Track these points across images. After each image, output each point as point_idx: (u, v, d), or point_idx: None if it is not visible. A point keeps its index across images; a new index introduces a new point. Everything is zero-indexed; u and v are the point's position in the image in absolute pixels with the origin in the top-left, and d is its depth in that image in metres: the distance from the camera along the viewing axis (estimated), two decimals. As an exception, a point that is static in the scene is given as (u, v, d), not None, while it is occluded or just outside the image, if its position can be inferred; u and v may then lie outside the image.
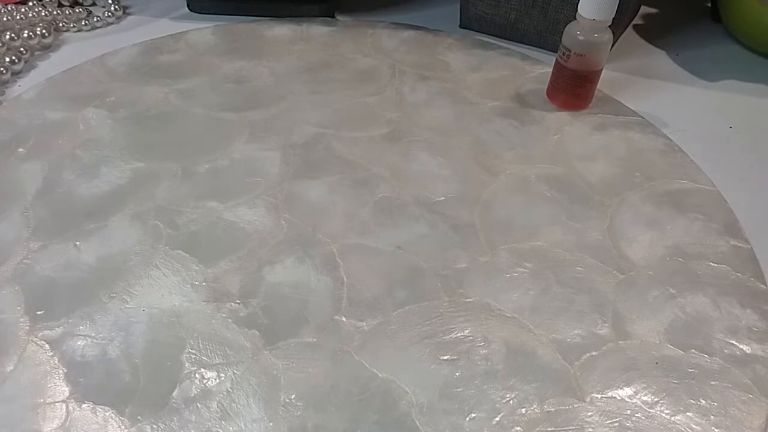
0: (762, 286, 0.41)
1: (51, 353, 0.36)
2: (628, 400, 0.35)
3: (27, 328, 0.37)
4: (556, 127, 0.53)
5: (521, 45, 0.63)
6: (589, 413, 0.34)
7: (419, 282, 0.40)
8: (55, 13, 0.64)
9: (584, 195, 0.47)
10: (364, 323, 0.38)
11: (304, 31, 0.64)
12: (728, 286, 0.40)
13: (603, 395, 0.35)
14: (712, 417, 0.34)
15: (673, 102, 0.57)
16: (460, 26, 0.66)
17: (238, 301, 0.39)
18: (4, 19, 0.62)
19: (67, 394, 0.34)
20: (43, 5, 0.64)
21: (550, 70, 0.55)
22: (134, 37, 0.63)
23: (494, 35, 0.64)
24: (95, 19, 0.65)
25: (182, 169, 0.48)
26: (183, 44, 0.62)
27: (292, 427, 0.33)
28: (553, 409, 0.34)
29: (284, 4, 0.65)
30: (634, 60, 0.62)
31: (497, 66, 0.60)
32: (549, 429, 0.33)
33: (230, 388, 0.35)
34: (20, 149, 0.49)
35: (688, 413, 0.34)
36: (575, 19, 0.50)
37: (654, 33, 0.67)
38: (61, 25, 0.64)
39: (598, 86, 0.54)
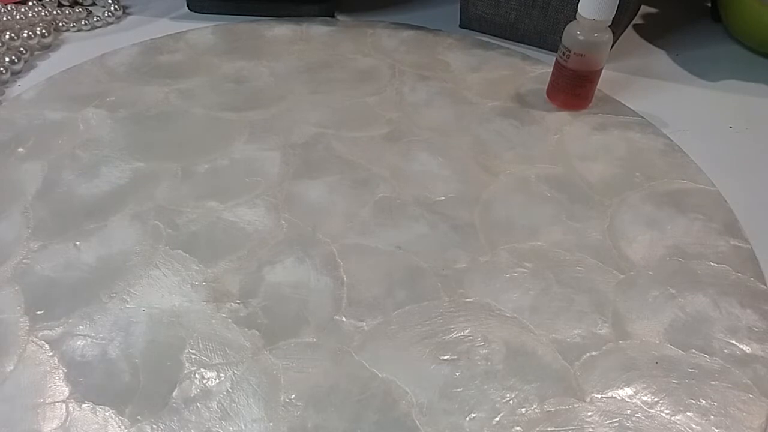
0: (762, 286, 0.41)
1: (51, 353, 0.36)
2: (628, 400, 0.35)
3: (27, 328, 0.37)
4: (556, 127, 0.53)
5: (521, 45, 0.63)
6: (589, 413, 0.34)
7: (419, 282, 0.40)
8: (55, 13, 0.64)
9: (584, 195, 0.47)
10: (364, 323, 0.38)
11: (304, 31, 0.64)
12: (728, 286, 0.40)
13: (603, 395, 0.35)
14: (712, 417, 0.34)
15: (673, 102, 0.57)
16: (460, 26, 0.66)
17: (238, 301, 0.39)
18: (4, 19, 0.62)
19: (67, 394, 0.34)
20: (43, 5, 0.64)
21: (550, 70, 0.55)
22: (134, 37, 0.63)
23: (494, 35, 0.64)
24: (95, 19, 0.65)
25: (182, 169, 0.48)
26: (183, 44, 0.62)
27: (292, 427, 0.33)
28: (553, 409, 0.34)
29: (284, 4, 0.65)
30: (634, 60, 0.62)
31: (497, 66, 0.60)
32: (549, 429, 0.33)
33: (230, 388, 0.35)
34: (20, 149, 0.49)
35: (688, 413, 0.34)
36: (575, 19, 0.50)
37: (654, 33, 0.67)
38: (61, 25, 0.64)
39: (598, 86, 0.54)
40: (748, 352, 0.37)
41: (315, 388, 0.35)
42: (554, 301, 0.39)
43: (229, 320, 0.38)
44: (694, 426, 0.33)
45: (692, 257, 0.42)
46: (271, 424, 0.33)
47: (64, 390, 0.34)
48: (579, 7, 0.49)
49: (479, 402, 0.34)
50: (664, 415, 0.34)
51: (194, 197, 0.46)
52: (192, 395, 0.34)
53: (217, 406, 0.34)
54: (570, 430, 0.33)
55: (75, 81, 0.57)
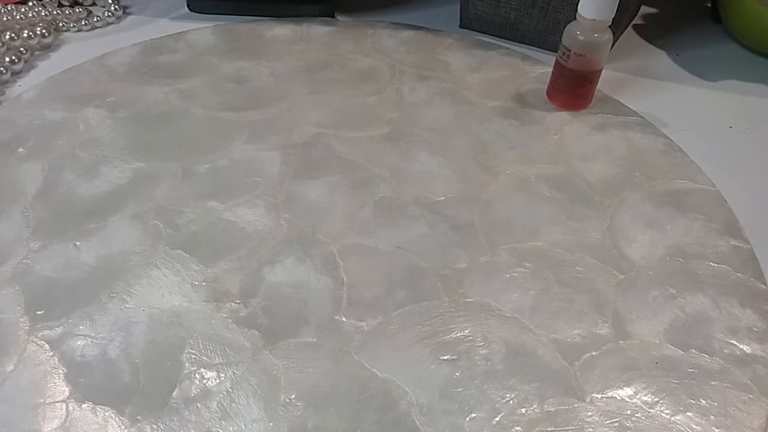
0: (762, 286, 0.41)
1: (51, 353, 0.36)
2: (628, 400, 0.35)
3: (27, 328, 0.37)
4: (556, 127, 0.53)
5: (521, 45, 0.63)
6: (589, 413, 0.34)
7: (419, 282, 0.40)
8: (55, 13, 0.64)
9: (584, 195, 0.47)
10: (364, 323, 0.38)
11: (304, 31, 0.64)
12: (728, 286, 0.40)
13: (603, 395, 0.35)
14: (712, 417, 0.34)
15: (673, 102, 0.57)
16: (460, 26, 0.66)
17: (238, 301, 0.39)
18: (4, 19, 0.63)
19: (67, 394, 0.34)
20: (43, 5, 0.64)
21: (550, 70, 0.55)
22: (134, 37, 0.63)
23: (494, 35, 0.64)
24: (95, 19, 0.65)
25: (182, 169, 0.48)
26: (183, 44, 0.62)
27: (292, 427, 0.33)
28: (553, 409, 0.34)
29: (284, 4, 0.65)
30: (634, 60, 0.62)
31: (497, 66, 0.60)
32: (549, 429, 0.33)
33: (230, 388, 0.35)
34: (20, 149, 0.49)
35: (688, 413, 0.34)
36: (575, 19, 0.50)
37: (654, 33, 0.67)
38: (61, 25, 0.64)
39: (598, 86, 0.54)
40: (748, 352, 0.37)
41: (315, 388, 0.35)
42: (554, 301, 0.39)
43: (229, 320, 0.38)
44: (694, 426, 0.33)
45: (692, 257, 0.42)
46: (271, 424, 0.33)
47: (64, 390, 0.34)
48: (579, 7, 0.49)
49: (479, 402, 0.34)
50: (664, 415, 0.34)
51: (194, 197, 0.46)
52: (192, 395, 0.34)
53: (217, 406, 0.34)
54: (570, 430, 0.33)
55: (75, 81, 0.57)
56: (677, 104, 0.57)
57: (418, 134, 0.52)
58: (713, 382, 0.35)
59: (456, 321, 0.38)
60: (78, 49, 0.61)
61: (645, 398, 0.35)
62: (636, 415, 0.34)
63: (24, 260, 0.41)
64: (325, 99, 0.55)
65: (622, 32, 0.65)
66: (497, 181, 0.48)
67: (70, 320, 0.38)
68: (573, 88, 0.53)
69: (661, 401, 0.34)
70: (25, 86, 0.56)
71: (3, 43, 0.59)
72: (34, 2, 0.65)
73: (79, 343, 0.37)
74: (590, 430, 0.33)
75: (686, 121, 0.55)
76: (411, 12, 0.69)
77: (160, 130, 0.51)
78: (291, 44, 0.62)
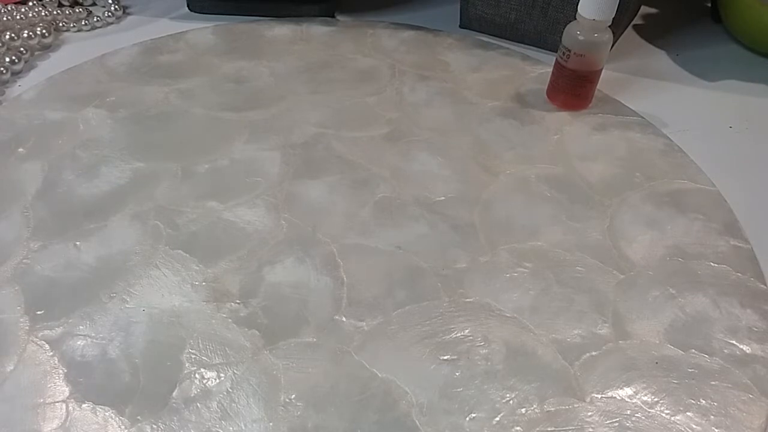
0: (762, 286, 0.41)
1: (51, 353, 0.36)
2: (628, 400, 0.35)
3: (27, 328, 0.37)
4: (556, 127, 0.53)
5: (521, 45, 0.63)
6: (589, 413, 0.34)
7: (419, 282, 0.40)
8: (55, 13, 0.64)
9: (584, 195, 0.47)
10: (364, 323, 0.38)
11: (304, 31, 0.64)
12: (728, 286, 0.40)
13: (603, 395, 0.35)
14: (712, 417, 0.34)
15: (673, 102, 0.57)
16: (460, 26, 0.66)
17: (238, 301, 0.39)
18: (4, 19, 0.63)
19: (67, 394, 0.34)
20: (43, 5, 0.64)
21: (550, 70, 0.55)
22: (134, 37, 0.63)
23: (494, 35, 0.64)
24: (95, 19, 0.65)
25: (182, 169, 0.48)
26: (183, 44, 0.62)
27: (292, 427, 0.33)
28: (553, 409, 0.34)
29: (284, 4, 0.65)
30: (634, 60, 0.62)
31: (497, 66, 0.60)
32: (549, 429, 0.33)
33: (230, 388, 0.35)
34: (20, 149, 0.49)
35: (688, 413, 0.34)
36: (575, 19, 0.50)
37: (654, 33, 0.67)
38: (61, 25, 0.64)
39: (598, 86, 0.54)
40: (748, 352, 0.37)
41: (315, 388, 0.35)
42: (554, 301, 0.39)
43: (229, 320, 0.38)
44: (694, 426, 0.33)
45: (692, 257, 0.42)
46: (271, 424, 0.33)
47: (64, 390, 0.34)
48: (579, 7, 0.49)
49: (479, 402, 0.34)
50: (664, 415, 0.34)
51: (194, 197, 0.46)
52: (192, 395, 0.34)
53: (217, 406, 0.34)
54: (570, 430, 0.33)
55: (75, 81, 0.57)
56: (677, 104, 0.57)
57: (418, 134, 0.52)
58: (713, 382, 0.35)
59: (456, 321, 0.38)
60: (78, 49, 0.61)
61: (645, 398, 0.35)
62: (636, 415, 0.34)
63: (24, 260, 0.41)
64: (325, 99, 0.55)
65: (622, 32, 0.65)
66: (497, 181, 0.48)
67: (70, 320, 0.38)
68: (573, 88, 0.53)
69: (661, 401, 0.34)
70: (25, 86, 0.56)
71: (3, 43, 0.59)
72: (34, 2, 0.65)
73: (79, 343, 0.37)
74: (590, 430, 0.33)
75: (686, 121, 0.55)
76: (411, 12, 0.69)
77: (160, 130, 0.51)
78: (291, 44, 0.62)
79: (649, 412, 0.34)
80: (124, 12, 0.67)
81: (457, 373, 0.35)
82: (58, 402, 0.34)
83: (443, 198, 0.46)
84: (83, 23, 0.64)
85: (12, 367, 0.35)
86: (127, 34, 0.64)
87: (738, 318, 0.39)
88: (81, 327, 0.37)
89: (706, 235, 0.44)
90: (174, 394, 0.34)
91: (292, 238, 0.43)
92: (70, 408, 0.34)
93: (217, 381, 0.35)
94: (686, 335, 0.38)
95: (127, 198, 0.45)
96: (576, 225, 0.44)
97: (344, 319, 0.38)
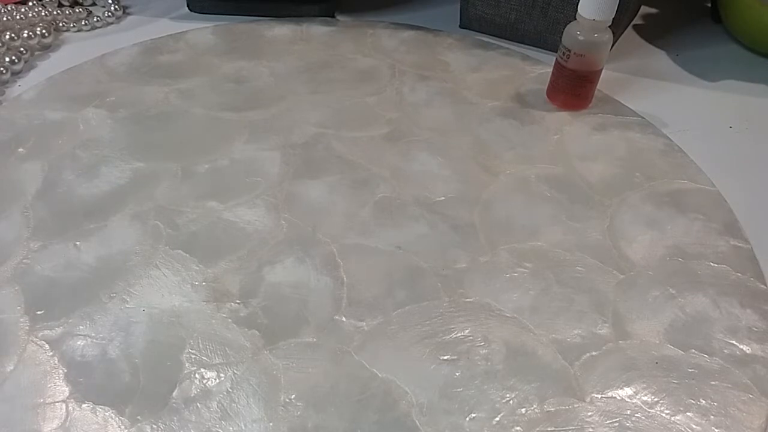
0: (762, 286, 0.41)
1: (51, 353, 0.36)
2: (628, 400, 0.35)
3: (27, 328, 0.37)
4: (556, 127, 0.53)
5: (521, 45, 0.63)
6: (589, 413, 0.34)
7: (419, 282, 0.40)
8: (55, 13, 0.64)
9: (584, 195, 0.47)
10: (364, 323, 0.38)
11: (304, 31, 0.64)
12: (728, 286, 0.40)
13: (603, 395, 0.35)
14: (712, 417, 0.34)
15: (673, 102, 0.57)
16: (460, 26, 0.66)
17: (238, 301, 0.39)
18: (4, 19, 0.62)
19: (67, 394, 0.34)
20: (43, 5, 0.64)
21: (550, 70, 0.55)
22: (134, 37, 0.63)
23: (494, 35, 0.64)
24: (95, 19, 0.65)
25: (182, 169, 0.48)
26: (183, 44, 0.62)
27: (292, 427, 0.33)
28: (553, 409, 0.34)
29: (284, 4, 0.65)
30: (634, 60, 0.62)
31: (497, 66, 0.60)
32: (549, 429, 0.33)
33: (230, 388, 0.35)
34: (20, 149, 0.49)
35: (688, 413, 0.34)
36: (575, 19, 0.50)
37: (654, 33, 0.67)
38: (61, 25, 0.64)
39: (598, 86, 0.54)
40: (748, 352, 0.37)
41: (315, 388, 0.35)
42: (554, 301, 0.39)
43: (229, 320, 0.38)
44: (694, 426, 0.33)
45: (692, 257, 0.42)
46: (271, 424, 0.33)
47: (64, 390, 0.34)
48: (579, 7, 0.49)
49: (479, 402, 0.34)
50: (664, 415, 0.34)
51: (194, 197, 0.46)
52: (192, 395, 0.34)
53: (217, 406, 0.34)
54: (570, 430, 0.33)
55: (75, 81, 0.57)
56: (677, 104, 0.57)
57: (418, 134, 0.52)
58: (713, 382, 0.35)
59: (456, 321, 0.38)
60: (78, 49, 0.61)
61: (645, 398, 0.35)
62: (636, 415, 0.34)
63: (24, 260, 0.41)
64: (325, 99, 0.55)
65: (622, 32, 0.65)
66: (497, 181, 0.48)
67: (70, 320, 0.38)
68: (573, 88, 0.53)
69: (661, 401, 0.34)
70: (25, 86, 0.56)
71: (3, 43, 0.59)
72: (34, 2, 0.65)
73: (79, 343, 0.37)
74: (590, 430, 0.33)
75: (686, 121, 0.55)
76: (411, 12, 0.69)
77: (160, 130, 0.51)
78: (291, 44, 0.62)
79: (649, 412, 0.34)
80: (124, 12, 0.67)
81: (457, 373, 0.35)
82: (58, 402, 0.34)
83: (443, 198, 0.46)
84: (83, 23, 0.64)
85: (12, 367, 0.35)
86: (127, 34, 0.64)
87: (738, 318, 0.39)
88: (81, 327, 0.37)
89: (706, 235, 0.44)
90: (174, 394, 0.34)
91: (292, 238, 0.43)
92: (70, 408, 0.34)
93: (217, 381, 0.35)
94: (686, 335, 0.38)
95: (127, 198, 0.45)
96: (576, 225, 0.44)
97: (344, 319, 0.38)
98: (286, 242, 0.42)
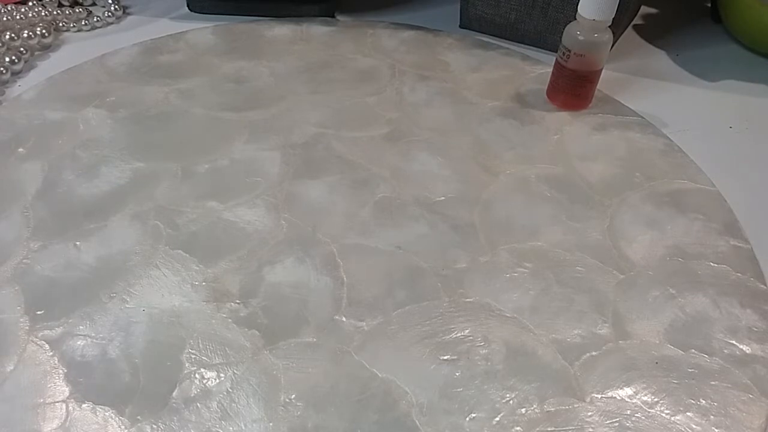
0: (762, 286, 0.41)
1: (51, 353, 0.36)
2: (628, 400, 0.35)
3: (27, 328, 0.37)
4: (556, 127, 0.53)
5: (521, 45, 0.63)
6: (589, 413, 0.34)
7: (419, 282, 0.40)
8: (55, 13, 0.64)
9: (584, 195, 0.47)
10: (364, 323, 0.38)
11: (304, 31, 0.64)
12: (728, 286, 0.40)
13: (603, 395, 0.35)
14: (712, 417, 0.34)
15: (673, 102, 0.57)
16: (460, 26, 0.66)
17: (238, 301, 0.39)
18: (4, 19, 0.62)
19: (67, 394, 0.34)
20: (43, 5, 0.64)
21: (550, 70, 0.55)
22: (134, 37, 0.63)
23: (494, 35, 0.64)
24: (95, 19, 0.65)
25: (182, 169, 0.48)
26: (183, 44, 0.62)
27: (292, 427, 0.33)
28: (553, 409, 0.34)
29: (284, 4, 0.65)
30: (634, 60, 0.62)
31: (497, 66, 0.60)
32: (549, 429, 0.33)
33: (230, 388, 0.35)
34: (20, 149, 0.49)
35: (688, 413, 0.34)
36: (575, 19, 0.50)
37: (654, 33, 0.67)
38: (61, 25, 0.64)
39: (598, 86, 0.54)
40: (748, 352, 0.37)
41: (315, 388, 0.35)
42: (554, 301, 0.39)
43: (229, 320, 0.38)
44: (694, 426, 0.33)
45: (692, 257, 0.42)
46: (271, 424, 0.33)
47: (64, 390, 0.34)
48: (579, 7, 0.49)
49: (479, 402, 0.34)
50: (664, 415, 0.34)
51: (194, 197, 0.46)
52: (192, 395, 0.34)
53: (217, 406, 0.34)
54: (570, 430, 0.33)
55: (75, 81, 0.57)
56: (677, 104, 0.57)
57: (418, 134, 0.52)
58: (713, 382, 0.35)
59: (456, 321, 0.38)
60: (78, 49, 0.61)
61: (645, 398, 0.35)
62: (636, 415, 0.34)
63: (24, 260, 0.41)
64: (325, 99, 0.55)
65: (622, 32, 0.65)
66: (497, 181, 0.48)
67: (70, 320, 0.38)
68: (573, 88, 0.53)
69: (661, 401, 0.34)
70: (25, 86, 0.56)
71: (3, 43, 0.59)
72: (34, 2, 0.65)
73: (79, 343, 0.37)
74: (590, 430, 0.33)
75: (686, 121, 0.55)
76: (411, 12, 0.69)
77: (160, 130, 0.51)
78: (291, 44, 0.62)
79: (649, 412, 0.34)
80: (124, 12, 0.67)
81: (457, 373, 0.35)
82: (58, 402, 0.34)
83: (443, 198, 0.46)
84: (83, 23, 0.64)
85: (12, 367, 0.35)
86: (127, 34, 0.64)
87: (738, 318, 0.39)
88: (81, 327, 0.37)
89: (706, 235, 0.44)
90: (174, 394, 0.34)
91: (292, 238, 0.43)
92: (70, 408, 0.34)
93: (217, 381, 0.35)
94: (686, 335, 0.38)
95: (127, 198, 0.45)
96: (576, 225, 0.44)
97: (344, 319, 0.38)
98: (286, 242, 0.42)
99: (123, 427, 0.33)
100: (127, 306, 0.38)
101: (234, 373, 0.35)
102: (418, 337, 0.37)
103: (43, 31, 0.61)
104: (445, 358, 0.36)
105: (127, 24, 0.66)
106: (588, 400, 0.34)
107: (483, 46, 0.63)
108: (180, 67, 0.58)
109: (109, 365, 0.35)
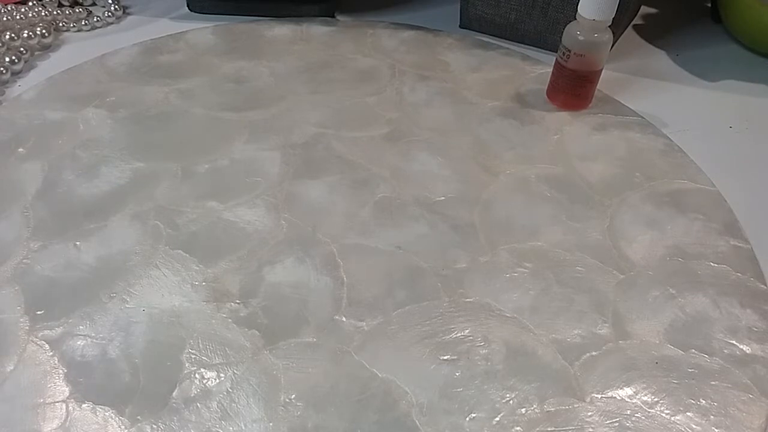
0: (762, 286, 0.41)
1: (51, 353, 0.36)
2: (628, 400, 0.35)
3: (27, 328, 0.37)
4: (556, 127, 0.53)
5: (521, 45, 0.63)
6: (589, 413, 0.34)
7: (419, 282, 0.40)
8: (55, 13, 0.64)
9: (584, 195, 0.47)
10: (364, 323, 0.38)
11: (304, 31, 0.64)
12: (728, 286, 0.40)
13: (603, 395, 0.35)
14: (712, 417, 0.34)
15: (673, 102, 0.57)
16: (460, 26, 0.66)
17: (238, 301, 0.39)
18: (4, 19, 0.62)
19: (67, 394, 0.34)
20: (43, 5, 0.64)
21: (550, 70, 0.55)
22: (134, 37, 0.63)
23: (494, 35, 0.64)
24: (95, 19, 0.65)
25: (182, 169, 0.48)
26: (183, 44, 0.62)
27: (292, 427, 0.33)
28: (553, 409, 0.34)
29: (284, 4, 0.65)
30: (634, 60, 0.62)
31: (497, 66, 0.60)
32: (549, 429, 0.33)
33: (230, 388, 0.35)
34: (20, 149, 0.49)
35: (688, 413, 0.34)
36: (575, 19, 0.50)
37: (654, 33, 0.67)
38: (61, 25, 0.64)
39: (598, 86, 0.54)
40: (748, 352, 0.37)
41: (315, 388, 0.35)
42: (554, 301, 0.39)
43: (229, 320, 0.38)
44: (694, 426, 0.33)
45: (692, 257, 0.42)
46: (271, 424, 0.33)
47: (64, 390, 0.34)
48: (579, 7, 0.49)
49: (479, 402, 0.34)
50: (664, 415, 0.34)
51: (194, 197, 0.46)
52: (192, 395, 0.34)
53: (217, 406, 0.34)
54: (570, 430, 0.33)
55: (75, 81, 0.57)
56: (677, 104, 0.57)
57: (418, 134, 0.52)
58: (713, 382, 0.35)
59: (456, 321, 0.38)
60: (78, 49, 0.61)
61: (645, 398, 0.35)
62: (636, 415, 0.34)
63: (24, 260, 0.41)
64: (325, 99, 0.55)
65: (622, 32, 0.65)
66: (497, 181, 0.48)
67: (70, 320, 0.38)
68: (573, 88, 0.53)
69: (661, 401, 0.34)
70: (25, 86, 0.56)
71: (3, 43, 0.59)
72: (34, 2, 0.65)
73: (79, 343, 0.37)
74: (590, 430, 0.33)
75: (686, 121, 0.55)
76: (411, 12, 0.69)
77: (160, 130, 0.51)
78: (291, 44, 0.62)
79: (649, 412, 0.34)
80: (124, 12, 0.67)
81: (457, 373, 0.35)
82: (58, 402, 0.34)
83: (443, 198, 0.46)
84: (83, 23, 0.64)
85: (12, 367, 0.35)
86: (127, 34, 0.64)
87: (738, 318, 0.39)
88: (81, 327, 0.37)
89: (706, 235, 0.44)
90: (174, 394, 0.34)
91: (292, 238, 0.43)
92: (70, 408, 0.34)
93: (217, 381, 0.35)
94: (686, 335, 0.38)
95: (127, 198, 0.45)
96: (576, 225, 0.44)
97: (344, 319, 0.38)
98: (286, 242, 0.42)
99: (123, 427, 0.33)
100: (127, 306, 0.38)
101: (234, 373, 0.35)
102: (418, 337, 0.37)
103: (43, 31, 0.61)
104: (445, 358, 0.36)
105: (127, 24, 0.66)
106: (588, 400, 0.34)
107: (483, 46, 0.63)
108: (180, 67, 0.58)
109: (109, 365, 0.35)
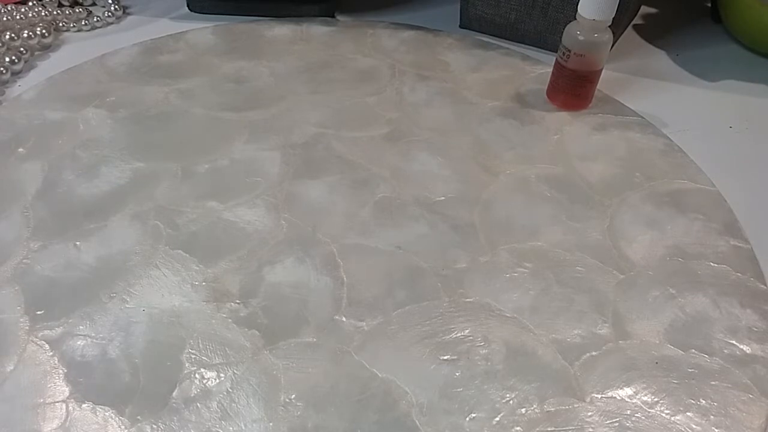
0: (762, 286, 0.41)
1: (51, 353, 0.36)
2: (628, 400, 0.35)
3: (27, 328, 0.37)
4: (556, 127, 0.53)
5: (521, 45, 0.63)
6: (589, 413, 0.34)
7: (419, 282, 0.40)
8: (55, 13, 0.64)
9: (584, 195, 0.47)
10: (364, 323, 0.38)
11: (304, 31, 0.64)
12: (728, 286, 0.40)
13: (603, 395, 0.35)
14: (712, 417, 0.34)
15: (673, 102, 0.57)
16: (460, 26, 0.66)
17: (238, 301, 0.39)
18: (4, 19, 0.62)
19: (67, 394, 0.34)
20: (43, 5, 0.64)
21: (550, 70, 0.55)
22: (134, 37, 0.63)
23: (494, 35, 0.64)
24: (95, 19, 0.65)
25: (182, 169, 0.48)
26: (183, 44, 0.62)
27: (292, 427, 0.33)
28: (553, 409, 0.34)
29: (284, 4, 0.65)
30: (634, 60, 0.62)
31: (497, 66, 0.60)
32: (549, 429, 0.33)
33: (230, 388, 0.35)
34: (20, 149, 0.49)
35: (688, 413, 0.34)
36: (575, 19, 0.50)
37: (654, 33, 0.67)
38: (61, 25, 0.64)
39: (598, 86, 0.54)
40: (748, 352, 0.37)
41: (315, 388, 0.35)
42: (554, 301, 0.39)
43: (229, 320, 0.38)
44: (694, 426, 0.33)
45: (692, 257, 0.42)
46: (271, 424, 0.33)
47: (64, 390, 0.34)
48: (579, 7, 0.49)
49: (479, 402, 0.34)
50: (664, 415, 0.34)
51: (194, 197, 0.46)
52: (192, 395, 0.34)
53: (217, 406, 0.34)
54: (570, 430, 0.33)
55: (75, 81, 0.57)
56: (677, 104, 0.57)
57: (418, 134, 0.52)
58: (713, 382, 0.35)
59: (456, 321, 0.38)
60: (78, 49, 0.61)
61: (645, 398, 0.35)
62: (636, 415, 0.34)
63: (24, 260, 0.41)
64: (325, 99, 0.55)
65: (622, 32, 0.65)
66: (497, 181, 0.48)
67: (70, 320, 0.38)
68: (573, 88, 0.53)
69: (661, 401, 0.34)
70: (25, 86, 0.56)
71: (3, 43, 0.59)
72: (34, 2, 0.65)
73: (79, 343, 0.37)
74: (590, 430, 0.33)
75: (686, 121, 0.55)
76: (411, 12, 0.69)
77: (160, 130, 0.51)
78: (291, 44, 0.62)
79: (649, 412, 0.34)
80: (124, 12, 0.67)
81: (457, 373, 0.35)
82: (58, 402, 0.34)
83: (443, 198, 0.46)
84: (83, 23, 0.64)
85: (12, 367, 0.35)
86: (127, 34, 0.64)
87: (738, 318, 0.39)
88: (81, 327, 0.37)
89: (706, 235, 0.44)
90: (174, 394, 0.34)
91: (292, 238, 0.43)
92: (70, 408, 0.34)
93: (217, 381, 0.35)
94: (686, 335, 0.38)
95: (127, 198, 0.45)
96: (576, 225, 0.44)
97: (344, 319, 0.38)
98: (286, 242, 0.42)
99: (123, 427, 0.33)
100: (127, 306, 0.38)
101: (234, 373, 0.35)
102: (418, 337, 0.37)
103: (43, 31, 0.61)
104: (445, 358, 0.36)
105: (127, 24, 0.66)
106: (588, 400, 0.35)
107: (483, 46, 0.63)
108: (180, 67, 0.58)
109: (109, 365, 0.35)
